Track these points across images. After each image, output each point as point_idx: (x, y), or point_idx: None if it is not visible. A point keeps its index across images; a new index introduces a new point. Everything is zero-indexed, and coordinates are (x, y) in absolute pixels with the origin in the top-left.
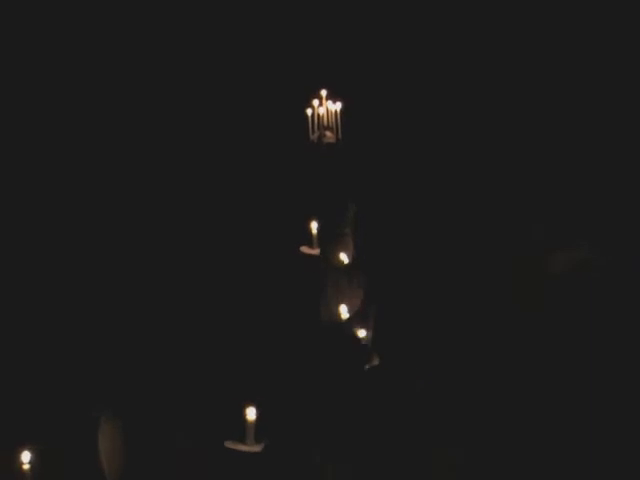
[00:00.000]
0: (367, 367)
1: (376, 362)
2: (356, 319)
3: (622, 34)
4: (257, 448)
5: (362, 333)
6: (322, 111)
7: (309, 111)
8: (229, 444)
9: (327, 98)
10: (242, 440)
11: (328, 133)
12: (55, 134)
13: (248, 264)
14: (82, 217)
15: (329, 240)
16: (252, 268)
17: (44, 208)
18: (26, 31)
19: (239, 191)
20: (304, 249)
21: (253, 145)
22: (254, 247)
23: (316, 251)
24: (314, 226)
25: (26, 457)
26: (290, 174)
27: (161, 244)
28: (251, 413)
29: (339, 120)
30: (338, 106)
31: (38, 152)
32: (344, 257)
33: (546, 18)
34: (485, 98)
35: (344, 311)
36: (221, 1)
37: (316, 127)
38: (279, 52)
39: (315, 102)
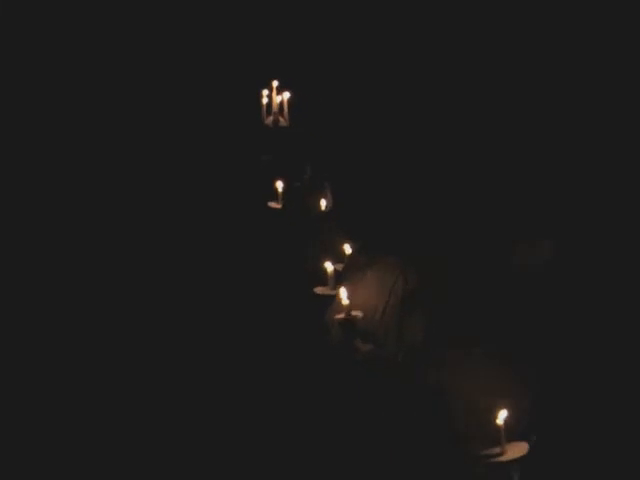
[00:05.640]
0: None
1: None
2: None
3: (622, 35)
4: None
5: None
6: (279, 99)
7: (264, 100)
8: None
9: (278, 88)
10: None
11: (281, 118)
12: (40, 134)
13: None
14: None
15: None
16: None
17: (36, 207)
18: (26, 31)
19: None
20: (271, 204)
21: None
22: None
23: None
24: (279, 185)
25: None
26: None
27: (130, 217)
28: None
29: (285, 107)
30: (286, 95)
31: (33, 151)
32: (323, 204)
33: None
34: (443, 86)
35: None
36: None
37: (271, 112)
38: (235, 46)
39: (265, 92)
